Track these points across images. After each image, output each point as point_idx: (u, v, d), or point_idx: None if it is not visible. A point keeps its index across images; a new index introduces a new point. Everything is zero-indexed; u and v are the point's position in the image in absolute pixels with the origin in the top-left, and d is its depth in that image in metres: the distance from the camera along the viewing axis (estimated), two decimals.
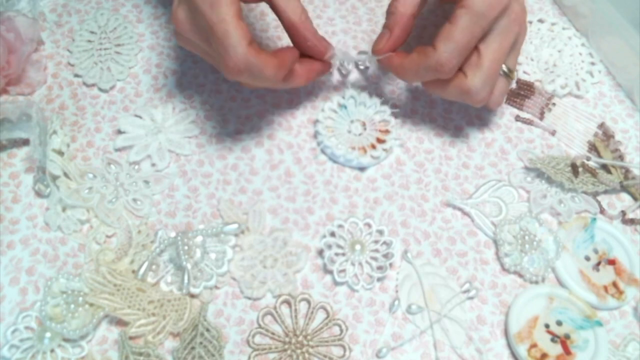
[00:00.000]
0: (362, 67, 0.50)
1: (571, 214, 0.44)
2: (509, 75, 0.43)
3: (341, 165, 0.46)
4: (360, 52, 0.50)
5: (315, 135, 0.47)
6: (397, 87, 0.50)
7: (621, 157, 0.47)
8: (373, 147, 0.46)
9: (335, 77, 0.50)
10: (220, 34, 0.39)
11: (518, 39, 0.43)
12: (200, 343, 0.39)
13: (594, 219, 0.44)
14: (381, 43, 0.44)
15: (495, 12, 0.40)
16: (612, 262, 0.43)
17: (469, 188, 0.46)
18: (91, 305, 0.39)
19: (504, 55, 0.41)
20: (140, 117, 0.47)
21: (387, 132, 0.47)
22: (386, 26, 0.44)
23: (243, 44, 0.39)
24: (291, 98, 0.49)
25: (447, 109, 0.49)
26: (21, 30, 0.48)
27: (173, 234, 0.43)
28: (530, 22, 0.54)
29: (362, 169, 0.46)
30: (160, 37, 0.52)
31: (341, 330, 0.40)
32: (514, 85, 0.50)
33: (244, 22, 0.39)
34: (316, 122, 0.47)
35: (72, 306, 0.39)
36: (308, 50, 0.44)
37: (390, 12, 0.44)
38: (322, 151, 0.47)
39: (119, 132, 0.47)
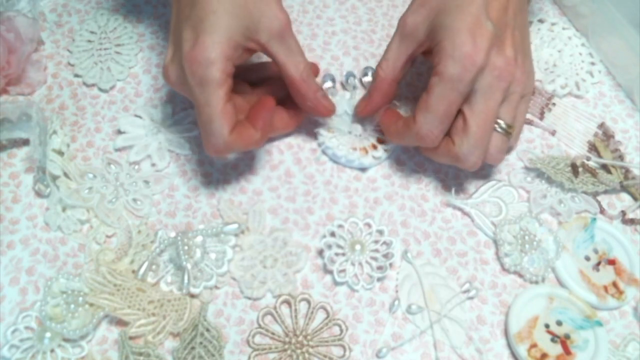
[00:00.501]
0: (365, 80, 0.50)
1: (571, 214, 0.44)
2: (506, 130, 0.41)
3: (342, 165, 0.46)
4: (366, 68, 0.50)
5: (316, 136, 0.47)
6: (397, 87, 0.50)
7: (621, 157, 0.47)
8: (374, 147, 0.46)
9: (340, 93, 0.50)
10: (204, 117, 0.39)
11: (510, 90, 0.40)
12: (200, 343, 0.39)
13: (594, 219, 0.44)
14: (361, 107, 0.46)
15: (470, 75, 0.37)
16: (612, 262, 0.43)
17: (469, 188, 0.46)
18: (91, 305, 0.39)
19: (492, 115, 0.39)
20: (140, 117, 0.47)
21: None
22: (368, 89, 0.45)
23: (225, 131, 0.39)
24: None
25: None
26: (21, 30, 0.48)
27: (173, 234, 0.43)
28: (531, 22, 0.54)
29: (362, 169, 0.46)
30: (160, 37, 0.52)
31: (341, 330, 0.40)
32: None
33: (230, 105, 0.39)
34: (317, 123, 0.47)
35: (72, 306, 0.39)
36: (307, 108, 0.44)
37: (373, 77, 0.44)
38: (324, 152, 0.47)
39: (119, 132, 0.47)
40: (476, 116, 0.39)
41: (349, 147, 0.46)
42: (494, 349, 0.40)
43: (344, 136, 0.47)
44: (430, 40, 0.40)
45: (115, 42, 0.51)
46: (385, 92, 0.44)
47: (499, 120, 0.41)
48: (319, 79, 0.50)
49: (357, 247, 0.42)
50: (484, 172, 0.46)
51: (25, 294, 0.41)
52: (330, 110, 0.44)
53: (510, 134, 0.41)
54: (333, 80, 0.49)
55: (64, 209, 0.43)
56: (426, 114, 0.39)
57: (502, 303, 0.41)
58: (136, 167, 0.45)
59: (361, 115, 0.46)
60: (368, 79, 0.49)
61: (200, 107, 0.39)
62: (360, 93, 0.49)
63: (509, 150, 0.46)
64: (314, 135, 0.47)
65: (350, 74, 0.49)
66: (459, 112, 0.40)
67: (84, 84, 0.49)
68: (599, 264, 0.43)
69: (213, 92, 0.38)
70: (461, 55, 0.37)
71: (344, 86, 0.50)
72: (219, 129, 0.39)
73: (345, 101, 0.48)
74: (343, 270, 0.41)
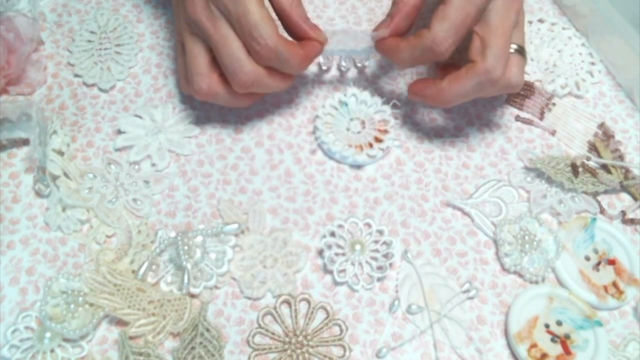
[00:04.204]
0: (359, 64, 0.50)
1: (571, 214, 0.44)
2: (521, 51, 0.42)
3: (337, 161, 0.46)
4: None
5: (314, 130, 0.47)
6: (397, 87, 0.50)
7: (621, 157, 0.47)
8: (370, 146, 0.46)
9: (333, 73, 0.50)
10: (246, 27, 0.39)
11: (520, 17, 0.42)
12: (200, 343, 0.39)
13: (594, 219, 0.44)
14: (380, 28, 0.44)
15: None
16: (612, 262, 0.43)
17: (469, 188, 0.46)
18: (91, 305, 0.39)
19: (509, 32, 0.41)
20: (140, 117, 0.47)
21: (385, 131, 0.47)
22: (389, 14, 0.44)
23: (274, 31, 0.40)
24: (291, 98, 0.49)
25: (447, 109, 0.49)
26: (21, 30, 0.48)
27: (173, 234, 0.43)
28: (530, 22, 0.54)
29: (362, 168, 0.46)
30: (160, 37, 0.52)
31: (341, 330, 0.40)
32: None
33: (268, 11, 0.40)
34: (316, 117, 0.47)
35: (72, 306, 0.39)
36: (300, 36, 0.44)
37: (394, 2, 0.44)
38: (319, 147, 0.47)
39: (119, 132, 0.47)
40: (494, 31, 0.40)
41: (344, 144, 0.46)
42: (494, 349, 0.40)
43: (341, 132, 0.47)
44: None
45: (115, 42, 0.51)
46: (406, 16, 0.43)
47: (512, 44, 0.42)
48: (315, 77, 0.50)
49: (357, 247, 0.42)
50: (484, 172, 0.46)
51: (25, 294, 0.41)
52: (320, 36, 0.44)
53: (524, 55, 0.42)
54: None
55: (64, 209, 0.43)
56: (443, 22, 0.40)
57: (502, 303, 0.41)
58: (136, 167, 0.45)
59: (379, 37, 0.44)
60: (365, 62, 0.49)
61: (240, 19, 0.39)
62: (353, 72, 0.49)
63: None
64: (314, 136, 0.47)
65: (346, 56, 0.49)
66: (474, 35, 0.41)
67: (84, 84, 0.49)
68: (599, 264, 0.43)
69: (223, 25, 0.40)
70: None
71: (339, 68, 0.50)
72: (267, 30, 0.40)
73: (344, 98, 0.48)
74: (343, 270, 0.41)
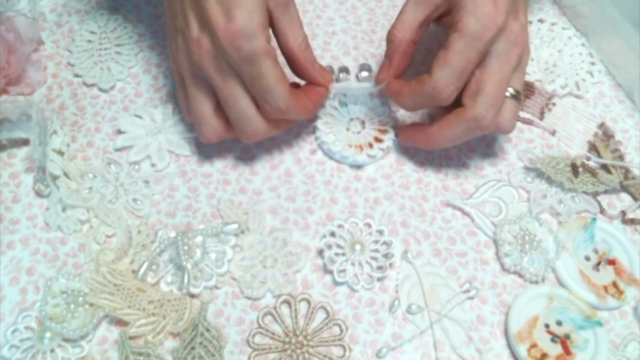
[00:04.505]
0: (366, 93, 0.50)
1: (571, 214, 0.44)
2: (516, 97, 0.41)
3: (337, 161, 0.46)
4: (363, 64, 0.50)
5: (314, 130, 0.47)
6: None
7: (621, 157, 0.47)
8: (370, 146, 0.46)
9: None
10: (258, 90, 0.39)
11: (522, 59, 0.41)
12: (200, 343, 0.39)
13: (594, 219, 0.44)
14: (382, 73, 0.44)
15: (489, 34, 0.38)
16: (612, 262, 0.43)
17: (469, 188, 0.46)
18: (91, 305, 0.39)
19: (506, 78, 0.40)
20: (140, 117, 0.47)
21: (385, 132, 0.47)
22: (386, 55, 0.44)
23: (286, 93, 0.40)
24: None
25: None
26: (21, 30, 0.48)
27: (173, 234, 0.43)
28: (530, 22, 0.54)
29: (362, 168, 0.46)
30: (160, 37, 0.52)
31: (341, 330, 0.40)
32: None
33: (281, 69, 0.39)
34: (316, 117, 0.47)
35: (72, 306, 0.39)
36: (305, 78, 0.44)
37: (389, 40, 0.43)
38: (319, 146, 0.47)
39: (119, 132, 0.47)
40: (491, 77, 0.40)
41: (344, 144, 0.46)
42: (494, 349, 0.40)
43: (341, 132, 0.47)
44: (448, 1, 0.40)
45: (115, 42, 0.51)
46: (404, 53, 0.43)
47: (509, 87, 0.41)
48: None
49: (357, 247, 0.42)
50: (484, 172, 0.46)
51: (25, 294, 0.41)
52: (327, 80, 0.44)
53: (520, 100, 0.42)
54: (332, 72, 0.49)
55: (64, 209, 0.43)
56: (444, 68, 0.39)
57: (502, 303, 0.41)
58: (136, 167, 0.45)
59: (384, 80, 0.44)
60: (365, 74, 0.49)
61: (253, 80, 0.39)
62: (355, 86, 0.48)
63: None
64: (314, 136, 0.47)
65: (343, 69, 0.49)
66: (471, 76, 0.40)
67: (84, 84, 0.49)
68: (599, 264, 0.43)
69: (264, 63, 0.38)
70: (483, 14, 0.38)
71: (337, 81, 0.49)
72: (280, 93, 0.39)
73: (346, 86, 0.48)
74: (343, 270, 0.41)
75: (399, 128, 0.46)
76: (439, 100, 0.40)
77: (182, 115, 0.47)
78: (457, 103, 0.41)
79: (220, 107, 0.42)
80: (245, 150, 0.47)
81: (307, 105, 0.42)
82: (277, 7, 0.40)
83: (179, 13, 0.40)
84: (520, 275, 0.42)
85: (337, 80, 0.49)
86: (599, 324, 0.40)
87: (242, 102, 0.40)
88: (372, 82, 0.46)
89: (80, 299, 0.39)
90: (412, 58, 0.44)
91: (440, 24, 0.44)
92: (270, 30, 0.40)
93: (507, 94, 0.41)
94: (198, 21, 0.39)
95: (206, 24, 0.38)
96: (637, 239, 0.44)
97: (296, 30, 0.41)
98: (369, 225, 0.43)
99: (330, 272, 0.42)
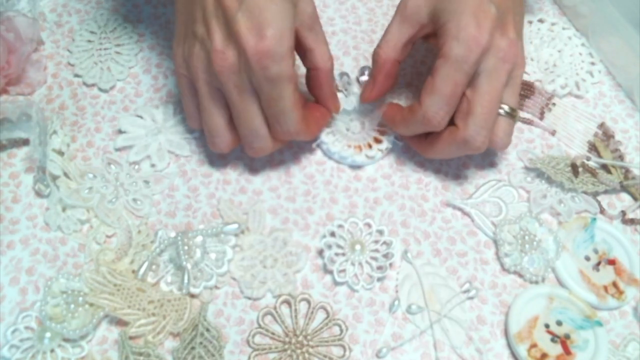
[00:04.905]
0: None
1: (571, 214, 0.44)
2: (511, 114, 0.41)
3: (337, 161, 0.46)
4: (363, 67, 0.50)
5: None
6: (397, 87, 0.50)
7: (621, 157, 0.47)
8: (369, 146, 0.46)
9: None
10: (274, 111, 0.39)
11: (513, 74, 0.40)
12: (200, 343, 0.39)
13: (594, 219, 0.44)
14: (366, 92, 0.45)
15: (474, 56, 0.38)
16: (612, 262, 0.43)
17: (469, 188, 0.46)
18: (91, 305, 0.39)
19: (497, 96, 0.39)
20: (140, 117, 0.47)
21: (384, 133, 0.47)
22: (370, 74, 0.45)
23: (299, 120, 0.40)
24: None
25: None
26: (21, 30, 0.48)
27: (173, 234, 0.43)
28: (530, 22, 0.54)
29: (362, 168, 0.46)
30: (160, 37, 0.52)
31: (341, 330, 0.40)
32: None
33: (299, 94, 0.40)
34: None
35: (72, 306, 0.39)
36: (318, 98, 0.44)
37: (374, 60, 0.44)
38: (319, 146, 0.47)
39: (119, 132, 0.47)
40: (481, 97, 0.39)
41: (344, 144, 0.46)
42: (494, 349, 0.40)
43: (340, 132, 0.47)
44: (433, 23, 0.40)
45: (115, 42, 0.51)
46: (388, 73, 0.44)
47: (503, 105, 0.41)
48: None
49: (357, 247, 0.42)
50: (484, 172, 0.46)
51: (25, 294, 0.41)
52: (337, 109, 0.45)
53: (514, 117, 0.41)
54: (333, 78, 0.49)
55: (64, 209, 0.43)
56: (432, 96, 0.39)
57: (502, 303, 0.41)
58: (136, 167, 0.45)
59: (368, 101, 0.45)
60: (365, 78, 0.49)
61: (271, 101, 0.39)
62: (357, 92, 0.49)
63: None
64: None
65: (344, 74, 0.49)
66: (463, 96, 0.40)
67: (84, 84, 0.49)
68: (599, 264, 0.43)
69: (287, 87, 0.38)
70: (466, 37, 0.38)
71: (337, 86, 0.50)
72: (294, 118, 0.40)
73: (343, 100, 0.48)
74: (343, 270, 0.41)
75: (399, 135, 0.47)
76: (431, 127, 0.40)
77: (185, 119, 0.47)
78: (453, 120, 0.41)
79: (232, 120, 0.42)
80: None
81: (313, 130, 0.43)
82: (303, 24, 0.40)
83: (199, 19, 0.39)
84: (520, 275, 0.42)
85: (339, 89, 0.49)
86: (599, 324, 0.40)
87: (255, 121, 0.40)
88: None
89: (80, 299, 0.39)
90: (397, 77, 0.45)
91: (429, 42, 0.44)
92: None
93: (501, 111, 0.41)
94: (224, 33, 0.38)
95: (234, 38, 0.37)
96: (637, 239, 0.44)
97: (324, 47, 0.41)
98: (369, 225, 0.43)
99: (330, 272, 0.42)
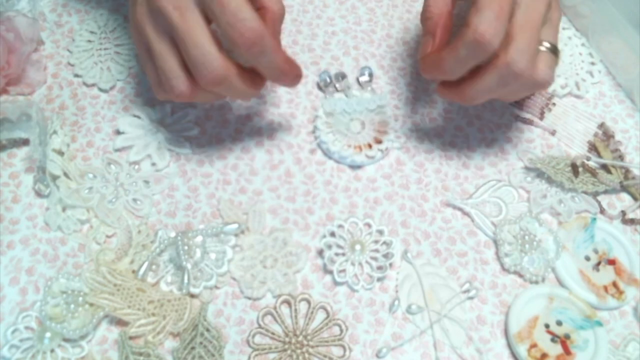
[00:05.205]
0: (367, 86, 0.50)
1: (571, 214, 0.44)
2: (552, 51, 0.40)
3: (336, 161, 0.46)
4: (363, 67, 0.50)
5: (314, 130, 0.47)
6: (397, 87, 0.50)
7: (621, 157, 0.47)
8: (369, 146, 0.46)
9: (336, 94, 0.50)
10: (189, 44, 0.37)
11: (550, 15, 0.40)
12: (200, 343, 0.39)
13: (594, 219, 0.44)
14: (427, 49, 0.43)
15: None
16: (612, 262, 0.43)
17: (469, 188, 0.46)
18: (91, 305, 0.39)
19: (536, 26, 0.39)
20: (138, 117, 0.47)
21: (385, 132, 0.47)
22: (427, 32, 0.43)
23: (217, 52, 0.37)
24: (291, 98, 0.49)
25: (447, 109, 0.49)
26: (21, 30, 0.48)
27: (173, 234, 0.43)
28: None
29: (362, 168, 0.46)
30: None
31: (341, 330, 0.40)
32: None
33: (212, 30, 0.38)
34: (315, 117, 0.47)
35: (72, 306, 0.39)
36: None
37: (426, 18, 0.43)
38: (319, 146, 0.47)
39: (119, 132, 0.47)
40: (519, 26, 0.38)
41: (344, 144, 0.46)
42: (494, 349, 0.40)
43: (340, 132, 0.47)
44: None
45: (115, 42, 0.51)
46: (445, 25, 0.42)
47: (544, 42, 0.40)
48: (316, 78, 0.50)
49: (357, 247, 0.42)
50: (484, 172, 0.46)
51: (25, 294, 0.41)
52: (298, 72, 0.42)
53: (557, 54, 0.41)
54: (330, 78, 0.49)
55: (64, 209, 0.43)
56: (480, 12, 0.37)
57: (502, 303, 0.41)
58: (136, 167, 0.45)
59: (428, 57, 0.42)
60: (365, 78, 0.49)
61: (183, 34, 0.37)
62: (356, 92, 0.49)
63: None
64: (313, 136, 0.47)
65: (343, 74, 0.49)
66: None
67: (84, 84, 0.49)
68: (599, 264, 0.43)
69: (192, 13, 0.37)
70: None
71: (321, 88, 0.49)
72: (211, 51, 0.37)
73: (343, 101, 0.48)
74: (343, 270, 0.41)
75: (437, 85, 0.44)
76: (485, 44, 0.38)
77: (182, 118, 0.47)
78: None
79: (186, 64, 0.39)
80: (246, 150, 0.47)
81: (284, 55, 0.39)
82: None
83: None
84: (520, 275, 0.42)
85: (338, 90, 0.49)
86: (599, 324, 0.40)
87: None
88: (370, 90, 0.46)
89: (80, 299, 0.39)
90: (452, 30, 0.43)
91: None
92: None
93: (543, 47, 0.40)
94: None
95: None
96: (637, 239, 0.44)
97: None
98: (369, 225, 0.43)
99: (330, 272, 0.42)
